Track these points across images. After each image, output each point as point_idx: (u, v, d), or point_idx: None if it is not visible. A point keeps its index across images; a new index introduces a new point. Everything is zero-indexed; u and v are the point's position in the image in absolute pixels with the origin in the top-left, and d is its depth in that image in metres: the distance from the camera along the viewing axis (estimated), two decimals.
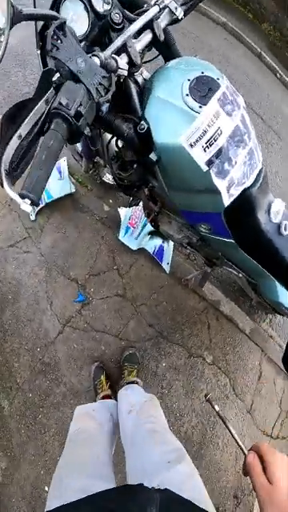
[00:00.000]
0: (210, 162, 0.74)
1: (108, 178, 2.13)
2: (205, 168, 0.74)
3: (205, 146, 0.72)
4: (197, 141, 0.71)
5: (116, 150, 1.12)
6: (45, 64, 0.74)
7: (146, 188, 1.29)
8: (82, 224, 2.06)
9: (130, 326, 1.79)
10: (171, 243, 1.99)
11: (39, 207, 2.12)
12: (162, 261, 1.96)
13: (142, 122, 0.76)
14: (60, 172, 2.21)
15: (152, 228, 1.95)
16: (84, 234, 2.03)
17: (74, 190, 2.15)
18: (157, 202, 1.40)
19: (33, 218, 2.13)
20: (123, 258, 1.93)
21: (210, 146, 0.72)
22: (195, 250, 1.59)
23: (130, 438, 0.92)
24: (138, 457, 0.82)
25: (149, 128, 0.76)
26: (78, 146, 1.59)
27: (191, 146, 0.72)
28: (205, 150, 0.72)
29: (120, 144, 1.05)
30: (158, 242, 1.97)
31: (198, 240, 1.37)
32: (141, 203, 1.55)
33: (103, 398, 1.46)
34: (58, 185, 2.17)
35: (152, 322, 1.82)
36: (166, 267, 1.96)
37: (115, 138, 1.07)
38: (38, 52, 0.74)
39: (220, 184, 0.76)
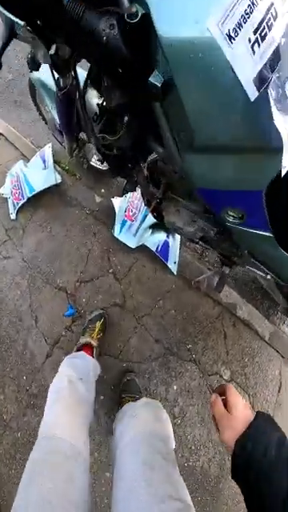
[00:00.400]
0: (261, 79, 0.37)
1: (96, 161, 1.77)
2: (253, 92, 0.37)
3: (253, 38, 0.35)
4: (238, 27, 0.34)
5: (96, 102, 0.77)
6: None
7: (144, 164, 0.93)
8: (70, 220, 1.72)
9: (131, 343, 1.46)
10: (178, 237, 1.63)
11: (20, 203, 1.80)
12: (167, 260, 1.60)
13: (134, 6, 0.38)
14: (44, 161, 1.87)
15: (154, 220, 1.59)
16: (73, 231, 1.69)
17: (60, 181, 1.81)
18: (159, 183, 1.05)
19: (13, 216, 1.81)
20: (120, 259, 1.59)
21: (262, 39, 0.35)
22: (210, 247, 1.22)
23: (120, 467, 0.68)
24: (124, 499, 0.60)
25: (146, 16, 0.38)
26: (56, 118, 1.23)
27: (229, 37, 0.35)
28: (253, 50, 0.35)
29: (102, 86, 0.67)
30: (161, 236, 1.61)
31: (216, 233, 1.01)
32: (138, 189, 1.18)
33: (84, 346, 1.28)
34: (41, 175, 1.83)
35: (159, 337, 1.48)
36: (173, 267, 1.60)
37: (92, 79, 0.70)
38: None
39: (284, 127, 0.38)
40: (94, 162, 1.72)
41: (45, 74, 0.96)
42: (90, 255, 1.62)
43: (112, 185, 1.82)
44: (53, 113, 1.26)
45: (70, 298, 1.54)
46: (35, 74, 1.23)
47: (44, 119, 1.67)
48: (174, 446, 0.77)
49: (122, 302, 1.53)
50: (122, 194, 1.15)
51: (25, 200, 1.79)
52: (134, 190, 1.16)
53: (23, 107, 2.38)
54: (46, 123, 1.67)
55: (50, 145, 1.92)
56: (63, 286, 1.57)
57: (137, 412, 0.85)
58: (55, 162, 1.88)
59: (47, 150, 1.90)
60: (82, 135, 1.27)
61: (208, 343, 1.56)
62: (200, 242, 1.22)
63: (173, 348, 1.48)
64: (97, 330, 1.36)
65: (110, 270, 1.58)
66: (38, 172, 1.87)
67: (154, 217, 1.28)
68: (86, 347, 1.30)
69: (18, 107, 2.42)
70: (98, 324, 1.37)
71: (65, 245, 1.66)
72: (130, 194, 1.65)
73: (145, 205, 1.26)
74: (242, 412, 0.50)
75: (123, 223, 1.62)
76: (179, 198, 0.96)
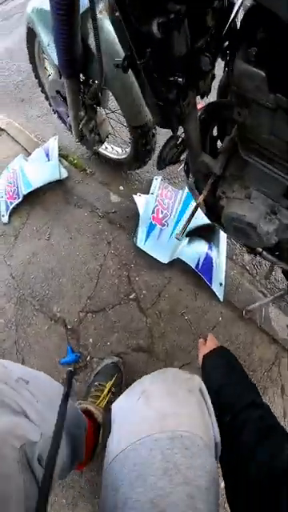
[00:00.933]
0: None
1: (108, 147, 1.35)
2: None
3: None
4: None
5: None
6: None
7: (195, 92, 0.49)
8: (75, 224, 1.27)
9: None
10: (223, 250, 1.14)
11: (15, 203, 1.38)
12: (211, 281, 1.11)
13: None
14: (47, 154, 1.48)
15: (195, 224, 1.13)
16: (79, 239, 1.23)
17: (65, 175, 1.40)
18: (227, 129, 0.60)
19: (5, 219, 1.39)
20: (146, 280, 1.11)
21: None
22: (278, 260, 0.77)
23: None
24: None
25: None
26: (52, 53, 0.83)
27: None
28: None
29: None
30: (202, 248, 1.13)
31: None
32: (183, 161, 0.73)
33: (83, 411, 0.80)
34: (42, 169, 1.43)
35: None
36: (219, 291, 1.10)
37: None
38: None
39: None
40: (107, 149, 1.30)
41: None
42: (103, 273, 1.14)
43: (134, 180, 1.38)
44: (52, 56, 0.86)
45: (71, 336, 1.05)
46: (31, 7, 0.91)
47: (42, 87, 1.31)
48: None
49: (149, 344, 1.02)
50: (159, 166, 0.69)
51: (20, 199, 1.38)
52: (177, 158, 0.69)
53: (30, 104, 2.12)
54: (44, 92, 1.31)
55: (55, 137, 1.55)
56: (62, 317, 1.08)
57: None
58: (61, 155, 1.49)
59: (52, 142, 1.52)
60: (90, 78, 0.86)
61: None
62: (264, 253, 0.76)
63: None
64: (106, 392, 0.85)
65: (132, 296, 1.09)
66: (39, 166, 1.47)
67: (207, 213, 0.82)
68: (85, 417, 0.79)
69: (24, 104, 2.15)
70: (109, 383, 0.87)
71: (67, 257, 1.20)
72: (158, 190, 1.21)
73: (190, 191, 0.80)
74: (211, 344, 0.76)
75: (150, 228, 1.15)
76: (270, 161, 0.49)
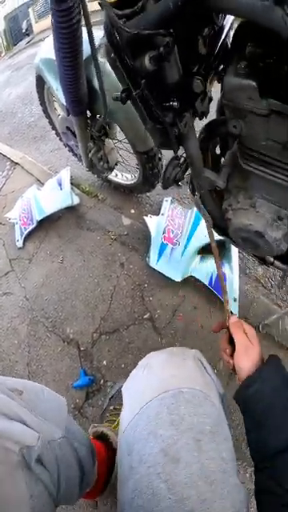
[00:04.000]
0: None
1: (118, 174, 1.43)
2: None
3: None
4: None
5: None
6: None
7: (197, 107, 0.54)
8: (88, 247, 1.30)
9: None
10: (235, 265, 1.14)
11: (29, 229, 1.43)
12: None
13: None
14: (60, 183, 1.56)
15: (203, 241, 1.14)
16: (92, 261, 1.25)
17: (77, 202, 1.46)
18: (227, 145, 0.64)
19: (20, 244, 1.44)
20: (160, 299, 1.10)
21: None
22: None
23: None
24: None
25: None
26: (60, 95, 0.92)
27: None
28: None
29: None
30: (214, 264, 1.13)
31: None
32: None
33: (96, 439, 0.77)
34: (55, 197, 1.51)
35: None
36: (233, 306, 1.08)
37: None
38: None
39: None
40: (119, 175, 1.38)
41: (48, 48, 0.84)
42: (116, 294, 1.14)
43: (144, 203, 1.43)
44: (61, 98, 0.96)
45: (84, 358, 1.02)
46: (39, 57, 1.04)
47: (53, 125, 1.42)
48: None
49: None
50: (164, 185, 0.72)
51: (34, 225, 1.44)
52: (182, 176, 0.73)
53: (42, 141, 2.29)
54: (55, 129, 1.42)
55: (67, 168, 1.65)
56: (75, 339, 1.07)
57: None
58: (73, 184, 1.57)
59: (64, 173, 1.61)
60: (96, 113, 0.94)
61: None
62: (275, 262, 0.76)
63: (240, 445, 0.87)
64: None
65: (146, 316, 1.07)
66: (52, 194, 1.55)
67: (215, 228, 0.83)
68: (99, 442, 0.75)
69: (37, 141, 2.33)
70: None
71: (80, 279, 1.21)
72: (168, 211, 1.24)
73: (197, 207, 0.82)
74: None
75: (162, 248, 1.17)
76: (271, 168, 0.51)
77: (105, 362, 1.00)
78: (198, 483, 0.37)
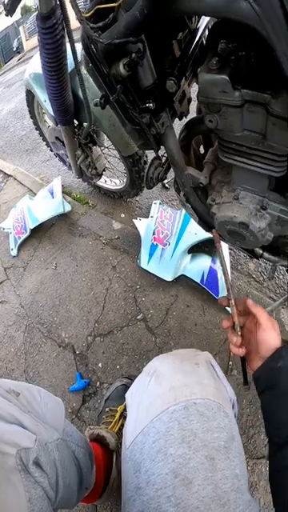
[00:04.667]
0: None
1: (107, 180, 1.46)
2: None
3: None
4: None
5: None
6: None
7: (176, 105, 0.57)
8: (81, 252, 1.32)
9: None
10: (227, 260, 1.15)
11: (23, 238, 1.45)
12: (217, 293, 1.10)
13: None
14: (52, 192, 1.59)
15: (193, 240, 1.16)
16: (84, 266, 1.27)
17: (69, 209, 1.49)
18: (210, 143, 0.66)
19: (14, 253, 1.46)
20: (153, 299, 1.11)
21: None
22: (279, 259, 0.77)
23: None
24: None
25: None
26: (48, 107, 0.95)
27: None
28: None
29: None
30: (205, 262, 1.15)
31: None
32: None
33: (93, 442, 0.75)
34: (48, 205, 1.53)
35: None
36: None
37: None
38: None
39: None
40: (108, 181, 1.41)
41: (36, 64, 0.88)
42: (109, 296, 1.16)
43: (134, 207, 1.46)
44: (49, 109, 0.99)
45: (80, 362, 1.03)
46: (28, 72, 1.09)
47: (43, 136, 1.46)
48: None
49: None
50: (147, 185, 0.75)
51: (28, 234, 1.46)
52: (164, 175, 0.75)
53: (34, 153, 2.34)
54: (45, 140, 1.46)
55: (58, 177, 1.68)
56: (70, 343, 1.07)
57: None
58: (64, 192, 1.61)
59: (56, 182, 1.65)
60: (82, 121, 0.97)
61: None
62: (265, 254, 0.77)
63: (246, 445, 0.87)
64: (117, 417, 0.81)
65: (139, 316, 1.08)
66: (44, 202, 1.57)
67: (201, 223, 0.85)
68: (96, 445, 0.75)
69: (29, 153, 2.38)
70: (121, 407, 0.83)
71: (74, 284, 1.22)
72: (157, 213, 1.27)
73: (183, 205, 0.84)
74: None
75: (152, 249, 1.19)
76: (250, 159, 0.53)
77: (100, 365, 1.00)
78: (210, 506, 0.34)
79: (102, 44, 0.42)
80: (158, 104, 0.52)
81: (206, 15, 0.53)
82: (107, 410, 0.86)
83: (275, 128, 0.44)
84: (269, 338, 0.48)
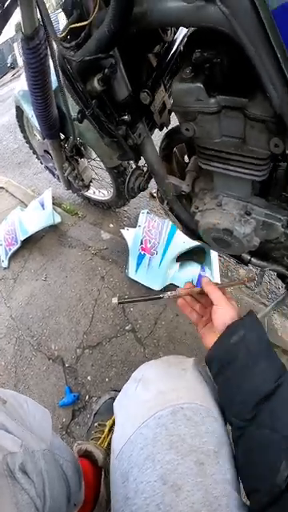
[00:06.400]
0: None
1: (96, 191, 1.47)
2: None
3: None
4: None
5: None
6: None
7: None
8: (70, 263, 1.33)
9: None
10: (215, 268, 1.16)
11: (13, 249, 1.46)
12: None
13: None
14: (42, 204, 1.60)
15: (180, 249, 1.17)
16: (73, 277, 1.27)
17: (59, 221, 1.50)
18: (194, 151, 0.67)
19: (5, 264, 1.46)
20: (141, 309, 1.11)
21: None
22: (267, 263, 0.77)
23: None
24: None
25: None
26: (35, 122, 0.97)
27: None
28: None
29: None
30: (194, 270, 1.15)
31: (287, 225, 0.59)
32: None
33: (82, 458, 0.74)
34: (38, 216, 1.55)
35: None
36: None
37: None
38: None
39: None
40: (97, 192, 1.42)
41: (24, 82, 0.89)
42: (98, 307, 1.15)
43: (122, 217, 1.47)
44: (36, 124, 1.02)
45: (69, 375, 1.02)
46: (17, 90, 1.13)
47: (33, 150, 1.48)
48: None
49: None
50: (129, 195, 0.76)
51: (18, 245, 1.46)
52: (145, 185, 0.76)
53: (26, 165, 2.36)
54: (35, 153, 1.48)
55: (49, 189, 1.70)
56: (59, 356, 1.07)
57: None
58: (55, 204, 1.62)
59: (46, 193, 1.66)
60: (69, 133, 0.99)
61: None
62: (253, 260, 0.77)
63: None
64: (106, 431, 0.80)
65: (128, 327, 1.08)
66: (35, 214, 1.58)
67: (186, 231, 0.86)
68: (85, 461, 0.73)
69: (21, 166, 2.41)
70: (110, 422, 0.82)
71: (63, 295, 1.22)
72: (145, 223, 1.28)
73: (166, 214, 0.85)
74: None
75: (140, 258, 1.19)
76: (234, 163, 0.53)
77: (89, 378, 0.99)
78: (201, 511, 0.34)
79: (74, 62, 0.44)
80: (134, 116, 0.53)
81: (173, 26, 0.55)
82: (96, 424, 0.85)
83: (254, 131, 0.44)
84: (222, 313, 0.46)
